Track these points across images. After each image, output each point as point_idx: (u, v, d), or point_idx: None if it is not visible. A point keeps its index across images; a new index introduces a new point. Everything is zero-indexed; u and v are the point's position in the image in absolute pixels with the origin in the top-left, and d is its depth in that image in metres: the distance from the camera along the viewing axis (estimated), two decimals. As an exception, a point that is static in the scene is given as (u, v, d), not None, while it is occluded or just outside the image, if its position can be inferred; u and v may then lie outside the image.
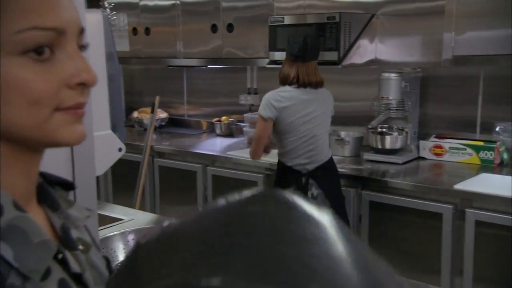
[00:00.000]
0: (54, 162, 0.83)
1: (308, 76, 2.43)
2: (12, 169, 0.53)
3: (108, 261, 0.68)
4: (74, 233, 0.61)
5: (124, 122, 1.12)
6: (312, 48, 2.45)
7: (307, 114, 2.44)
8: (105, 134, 1.10)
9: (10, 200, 0.51)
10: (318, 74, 2.48)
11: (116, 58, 1.11)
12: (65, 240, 0.59)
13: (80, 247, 0.61)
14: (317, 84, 2.47)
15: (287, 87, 2.45)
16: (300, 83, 2.43)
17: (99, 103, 1.06)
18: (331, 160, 2.51)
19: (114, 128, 1.12)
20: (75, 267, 0.56)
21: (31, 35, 0.48)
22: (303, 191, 2.41)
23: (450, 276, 2.44)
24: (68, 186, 0.65)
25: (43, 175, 0.63)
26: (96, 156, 1.03)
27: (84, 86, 0.53)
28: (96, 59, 1.07)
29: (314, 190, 2.45)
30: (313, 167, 2.44)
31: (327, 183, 2.45)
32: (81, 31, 0.55)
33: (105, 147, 1.09)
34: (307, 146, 2.44)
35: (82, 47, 0.55)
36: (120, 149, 1.12)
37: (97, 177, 3.79)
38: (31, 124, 0.51)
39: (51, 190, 0.62)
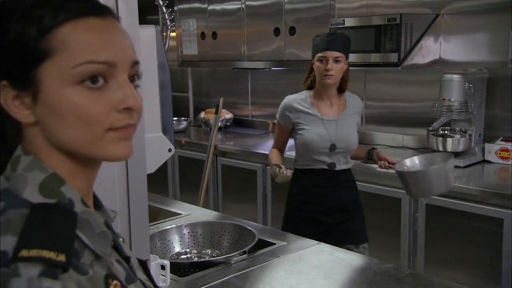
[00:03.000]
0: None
1: None
2: (78, 174, 0.66)
3: None
4: (114, 227, 0.74)
5: (173, 125, 1.24)
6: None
7: None
8: (156, 136, 1.22)
9: (79, 197, 0.64)
10: None
11: (167, 67, 1.23)
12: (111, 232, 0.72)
13: (121, 238, 0.74)
14: None
15: None
16: None
17: (151, 108, 1.18)
18: None
19: (164, 131, 1.24)
20: (127, 251, 0.72)
21: (86, 68, 0.60)
22: None
23: (511, 283, 2.36)
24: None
25: None
26: (147, 156, 1.15)
27: (131, 110, 0.64)
28: (149, 69, 1.20)
29: None
30: None
31: None
32: (134, 63, 0.66)
33: (156, 148, 1.22)
34: None
35: (136, 75, 0.67)
36: (169, 150, 1.24)
37: (166, 176, 3.96)
38: (85, 141, 0.62)
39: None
